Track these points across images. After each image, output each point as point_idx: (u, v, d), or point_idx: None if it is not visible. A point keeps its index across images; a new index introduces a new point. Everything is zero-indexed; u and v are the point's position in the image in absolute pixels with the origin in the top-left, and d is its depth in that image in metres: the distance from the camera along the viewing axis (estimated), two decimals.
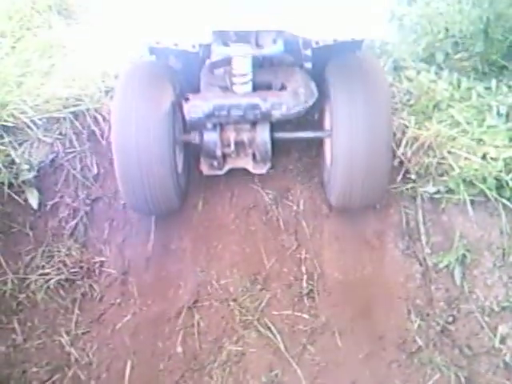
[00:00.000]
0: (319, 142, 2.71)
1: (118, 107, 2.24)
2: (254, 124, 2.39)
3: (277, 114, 2.26)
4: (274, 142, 2.43)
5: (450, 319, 2.48)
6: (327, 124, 2.55)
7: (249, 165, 2.61)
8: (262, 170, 2.62)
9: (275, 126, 2.43)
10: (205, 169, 2.61)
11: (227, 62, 2.28)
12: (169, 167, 2.27)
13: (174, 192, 2.37)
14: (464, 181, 2.49)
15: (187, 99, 2.24)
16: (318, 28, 1.92)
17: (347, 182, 2.33)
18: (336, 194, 2.44)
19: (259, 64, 2.38)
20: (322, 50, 2.28)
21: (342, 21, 1.93)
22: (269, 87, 2.38)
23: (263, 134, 2.39)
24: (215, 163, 2.53)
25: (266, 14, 1.92)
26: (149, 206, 2.36)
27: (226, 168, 2.60)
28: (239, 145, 2.46)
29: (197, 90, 2.43)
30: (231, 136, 2.42)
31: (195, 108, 2.23)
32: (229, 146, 2.44)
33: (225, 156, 2.53)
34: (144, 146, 2.18)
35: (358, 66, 2.37)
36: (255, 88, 2.34)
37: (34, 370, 2.36)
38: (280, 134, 2.47)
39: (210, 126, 2.34)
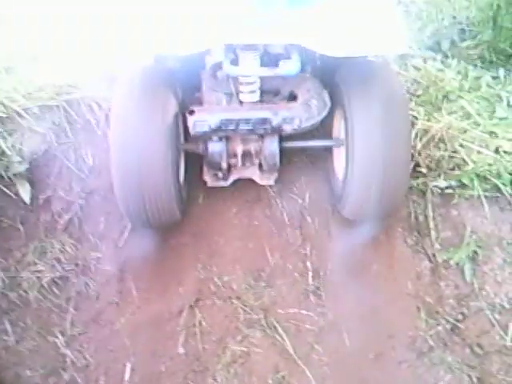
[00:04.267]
0: (327, 151, 2.60)
1: (118, 117, 2.08)
2: (261, 135, 2.26)
3: (288, 128, 2.13)
4: (282, 151, 2.31)
5: (460, 317, 2.41)
6: (337, 132, 2.44)
7: (255, 175, 2.50)
8: (270, 180, 2.52)
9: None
10: (208, 180, 2.50)
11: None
12: (171, 178, 2.13)
13: (176, 204, 2.24)
14: (478, 176, 2.42)
15: (192, 112, 2.10)
16: (336, 44, 1.77)
17: (364, 194, 2.19)
18: (351, 207, 2.32)
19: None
20: None
21: (361, 37, 1.80)
22: (276, 94, 2.26)
23: (272, 146, 2.27)
24: (220, 174, 2.41)
25: (278, 27, 1.80)
26: (148, 219, 2.22)
27: (231, 179, 2.49)
28: (246, 155, 2.34)
29: (198, 90, 2.30)
30: (238, 147, 2.30)
31: (201, 122, 2.10)
32: (235, 156, 2.32)
33: (230, 166, 2.40)
34: (145, 157, 2.05)
35: (372, 70, 2.23)
36: (262, 95, 2.22)
37: (28, 373, 2.24)
38: (288, 144, 2.34)
39: (215, 138, 2.22)
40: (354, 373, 2.29)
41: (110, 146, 2.08)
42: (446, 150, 2.53)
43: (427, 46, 3.18)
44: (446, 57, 3.13)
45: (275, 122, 2.11)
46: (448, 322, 2.39)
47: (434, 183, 2.52)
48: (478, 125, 2.60)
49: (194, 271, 2.47)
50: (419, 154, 2.56)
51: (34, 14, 2.95)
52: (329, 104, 2.24)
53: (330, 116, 2.34)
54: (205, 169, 2.49)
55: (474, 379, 2.27)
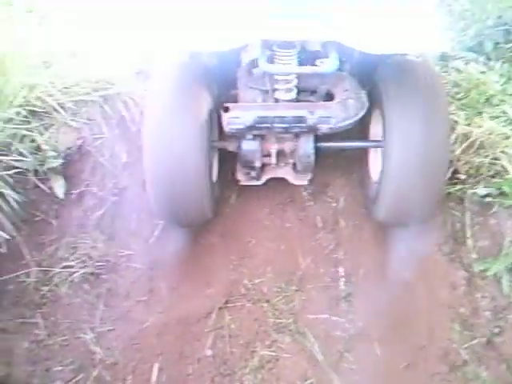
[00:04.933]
0: (363, 153, 2.56)
1: (152, 113, 2.07)
2: (297, 134, 2.22)
3: (324, 128, 2.09)
4: (317, 151, 2.26)
5: (497, 330, 2.33)
6: (375, 133, 2.38)
7: (289, 175, 2.48)
8: (304, 181, 2.49)
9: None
10: (241, 178, 2.48)
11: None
12: (204, 177, 2.11)
13: (208, 203, 2.22)
14: None
15: (227, 109, 2.07)
16: (375, 41, 1.71)
17: (400, 197, 2.15)
18: (385, 211, 2.26)
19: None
20: None
21: (401, 34, 1.74)
22: (313, 93, 2.21)
23: (307, 146, 2.23)
24: (253, 173, 2.38)
25: (316, 24, 1.74)
26: (180, 218, 2.23)
27: (265, 178, 2.47)
28: (280, 154, 2.30)
29: (233, 87, 2.26)
30: (272, 146, 2.27)
31: (235, 119, 2.07)
32: (269, 156, 2.28)
33: (263, 165, 2.37)
34: (179, 155, 2.02)
35: (412, 70, 2.17)
36: (298, 93, 2.17)
37: (58, 368, 2.24)
38: (324, 144, 2.29)
39: (250, 136, 2.18)
40: (384, 383, 2.24)
41: (143, 142, 2.07)
42: (486, 156, 2.44)
43: (469, 47, 3.06)
44: (489, 59, 3.02)
45: (311, 120, 2.07)
46: (483, 335, 2.31)
47: (473, 190, 2.45)
48: None
49: (224, 272, 2.45)
50: (458, 159, 2.48)
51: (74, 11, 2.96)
52: (367, 104, 2.19)
53: (367, 116, 2.30)
54: (238, 167, 2.47)
55: None
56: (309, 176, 2.48)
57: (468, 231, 2.47)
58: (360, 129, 2.44)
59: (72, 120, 2.46)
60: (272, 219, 2.58)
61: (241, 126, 2.08)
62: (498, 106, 2.65)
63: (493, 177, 2.43)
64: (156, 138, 2.04)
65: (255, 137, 2.20)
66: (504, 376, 2.23)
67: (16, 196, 2.30)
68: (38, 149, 2.38)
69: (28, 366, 2.23)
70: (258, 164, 2.28)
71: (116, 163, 2.54)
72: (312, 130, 2.11)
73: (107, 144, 2.53)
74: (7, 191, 2.28)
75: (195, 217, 2.26)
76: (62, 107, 2.43)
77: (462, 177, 2.47)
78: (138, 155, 2.46)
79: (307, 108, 2.09)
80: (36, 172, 2.38)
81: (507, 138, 2.48)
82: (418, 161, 2.03)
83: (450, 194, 2.49)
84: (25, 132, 2.34)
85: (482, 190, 2.43)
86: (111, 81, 2.54)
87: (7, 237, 2.29)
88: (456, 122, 2.56)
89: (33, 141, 2.37)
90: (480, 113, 2.62)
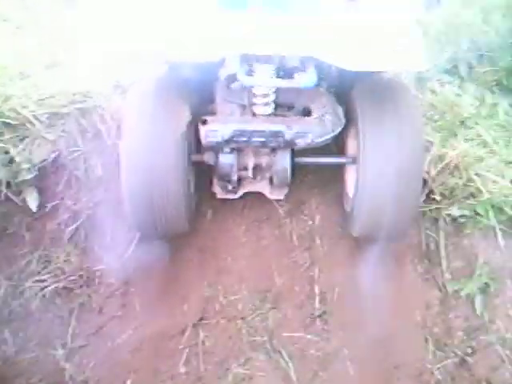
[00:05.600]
0: (340, 169, 2.57)
1: (130, 126, 2.06)
2: (274, 148, 2.22)
3: (301, 142, 2.10)
4: (294, 167, 2.27)
5: (469, 351, 2.36)
6: (351, 149, 2.41)
7: (265, 189, 2.47)
8: (280, 195, 2.49)
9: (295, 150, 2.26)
10: (218, 191, 2.47)
11: None
12: (182, 188, 2.11)
13: (185, 215, 2.21)
14: (493, 206, 2.37)
15: (204, 122, 2.07)
16: (353, 57, 1.72)
17: (373, 213, 2.17)
18: (360, 226, 2.28)
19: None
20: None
21: (380, 52, 1.75)
22: (290, 108, 2.23)
23: (283, 161, 2.23)
24: (229, 186, 2.37)
25: (295, 39, 1.76)
26: (157, 229, 2.20)
27: (241, 192, 2.46)
28: (257, 168, 2.30)
29: (211, 101, 2.26)
30: (249, 160, 2.26)
31: (213, 133, 2.07)
32: (246, 169, 2.28)
33: (240, 179, 2.36)
34: (157, 167, 2.02)
35: (388, 89, 2.20)
36: (276, 108, 2.19)
37: None
38: (301, 159, 2.31)
39: (227, 149, 2.18)
40: None
41: (121, 153, 2.05)
42: (460, 177, 2.48)
43: (445, 69, 3.13)
44: (463, 81, 3.08)
45: (288, 135, 2.08)
46: (456, 355, 2.34)
47: (448, 211, 2.47)
48: (495, 153, 2.56)
49: (199, 288, 2.43)
50: (433, 180, 2.51)
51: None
52: (343, 121, 2.21)
53: (344, 133, 2.31)
54: (214, 180, 2.45)
55: None
56: (285, 191, 2.48)
57: (442, 251, 2.50)
58: (337, 145, 2.48)
59: (47, 132, 2.42)
60: (248, 236, 2.56)
61: (218, 139, 2.08)
62: (472, 128, 2.70)
63: (467, 198, 2.46)
64: (134, 149, 2.03)
65: (232, 150, 2.20)
66: None
67: None
68: (12, 161, 2.33)
69: None
70: (234, 177, 2.28)
71: (91, 177, 2.50)
72: (289, 144, 2.12)
73: (83, 157, 2.48)
74: None
75: (172, 228, 2.25)
76: (37, 119, 2.39)
77: (437, 198, 2.50)
78: (114, 169, 2.43)
79: (285, 123, 2.10)
80: (8, 184, 2.33)
81: (481, 160, 2.52)
82: (392, 177, 2.05)
83: (424, 214, 2.52)
84: None
85: (456, 211, 2.46)
86: (88, 94, 2.50)
87: None
88: (431, 143, 2.59)
89: (6, 152, 2.32)
90: (455, 135, 2.67)
